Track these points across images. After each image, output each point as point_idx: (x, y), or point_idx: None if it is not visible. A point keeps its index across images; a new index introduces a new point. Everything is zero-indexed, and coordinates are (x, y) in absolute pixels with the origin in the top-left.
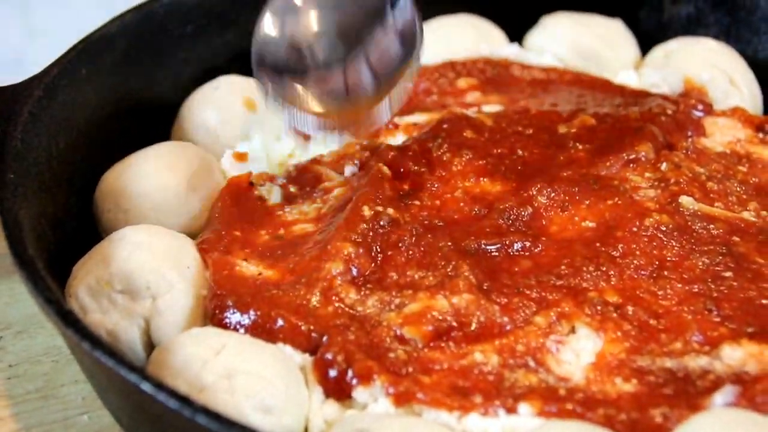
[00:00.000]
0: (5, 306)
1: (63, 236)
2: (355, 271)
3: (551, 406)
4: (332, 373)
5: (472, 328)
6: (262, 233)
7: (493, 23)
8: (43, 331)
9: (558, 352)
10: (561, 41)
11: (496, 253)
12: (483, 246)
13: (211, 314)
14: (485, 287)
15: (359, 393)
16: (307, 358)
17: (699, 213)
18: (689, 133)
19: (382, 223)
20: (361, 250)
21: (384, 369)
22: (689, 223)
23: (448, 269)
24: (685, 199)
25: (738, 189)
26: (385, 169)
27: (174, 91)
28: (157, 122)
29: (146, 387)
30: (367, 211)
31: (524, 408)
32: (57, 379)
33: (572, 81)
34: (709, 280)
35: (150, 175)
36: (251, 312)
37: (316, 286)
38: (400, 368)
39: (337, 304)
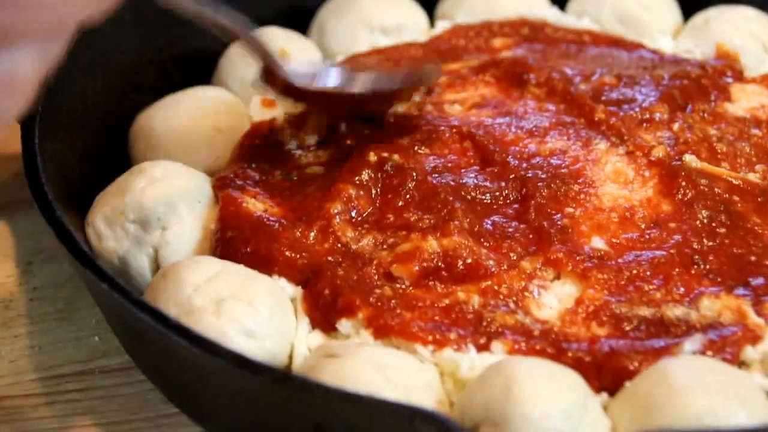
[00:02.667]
0: (39, 234)
1: (91, 171)
2: (354, 212)
3: (522, 344)
4: (319, 304)
5: (459, 269)
6: (276, 174)
7: None
8: None
9: (540, 296)
10: (600, 5)
11: (500, 200)
12: (480, 192)
13: (215, 247)
14: (476, 230)
15: (342, 325)
16: (299, 291)
17: (702, 171)
18: (712, 97)
19: (386, 168)
20: (361, 192)
21: (368, 303)
22: (692, 179)
23: (443, 213)
24: (688, 157)
25: (748, 151)
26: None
27: (215, 42)
28: (197, 71)
29: (125, 302)
30: (372, 157)
31: (497, 346)
32: (75, 303)
33: (607, 44)
34: (703, 235)
35: (179, 116)
36: (250, 246)
37: (314, 224)
38: (383, 303)
39: (332, 242)
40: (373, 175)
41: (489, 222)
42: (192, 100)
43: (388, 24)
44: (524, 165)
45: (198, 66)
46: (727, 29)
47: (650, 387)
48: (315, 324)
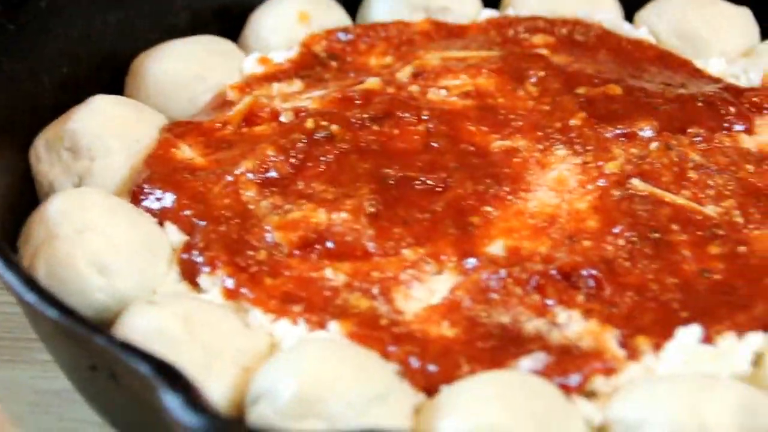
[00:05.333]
0: None
1: None
2: (271, 173)
3: (361, 330)
4: (184, 256)
5: (337, 246)
6: (228, 127)
7: None
8: None
9: (412, 287)
10: (664, 18)
11: (419, 186)
12: (405, 178)
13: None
14: (375, 212)
15: (203, 279)
16: (183, 240)
17: (647, 195)
18: (725, 124)
19: (316, 136)
20: (281, 157)
21: (231, 263)
22: (629, 201)
23: (350, 189)
24: (635, 181)
25: (725, 185)
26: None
27: None
28: (235, 24)
29: None
30: (310, 124)
31: (333, 326)
32: None
33: (653, 58)
34: (615, 259)
35: (164, 59)
36: (155, 188)
37: (223, 178)
38: (250, 266)
39: (233, 198)
40: (302, 141)
41: (399, 207)
42: (188, 47)
43: (433, 5)
44: (466, 159)
45: (236, 19)
46: None
47: (446, 394)
48: (184, 275)
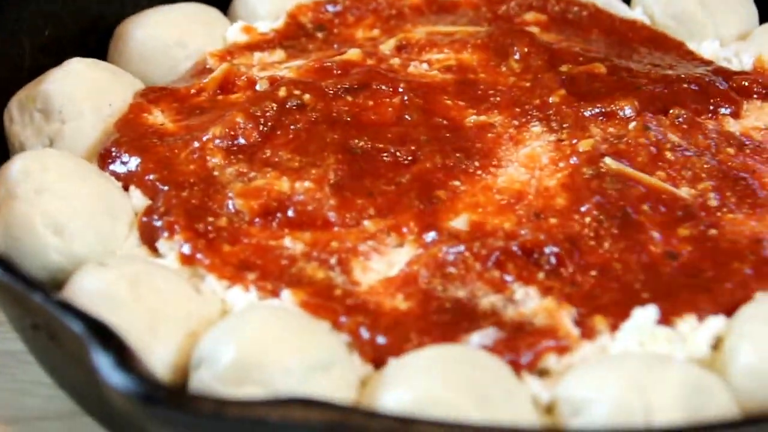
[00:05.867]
0: None
1: None
2: (240, 140)
3: (314, 300)
4: (144, 219)
5: (298, 214)
6: (204, 94)
7: None
8: None
9: (370, 259)
10: None
11: (387, 158)
12: (374, 149)
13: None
14: (339, 182)
15: (161, 244)
16: (146, 204)
17: (619, 175)
18: (711, 107)
19: (288, 105)
20: (251, 124)
21: (190, 228)
22: (600, 180)
23: (317, 159)
24: (607, 160)
25: (703, 167)
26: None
27: None
28: None
29: None
30: (282, 92)
31: (286, 294)
32: None
33: (645, 38)
34: (581, 238)
35: (146, 25)
36: (123, 152)
37: (191, 144)
38: (209, 233)
39: (199, 164)
40: (273, 109)
41: (365, 179)
42: (172, 14)
43: None
44: (439, 133)
45: None
46: None
47: (391, 366)
48: (143, 239)
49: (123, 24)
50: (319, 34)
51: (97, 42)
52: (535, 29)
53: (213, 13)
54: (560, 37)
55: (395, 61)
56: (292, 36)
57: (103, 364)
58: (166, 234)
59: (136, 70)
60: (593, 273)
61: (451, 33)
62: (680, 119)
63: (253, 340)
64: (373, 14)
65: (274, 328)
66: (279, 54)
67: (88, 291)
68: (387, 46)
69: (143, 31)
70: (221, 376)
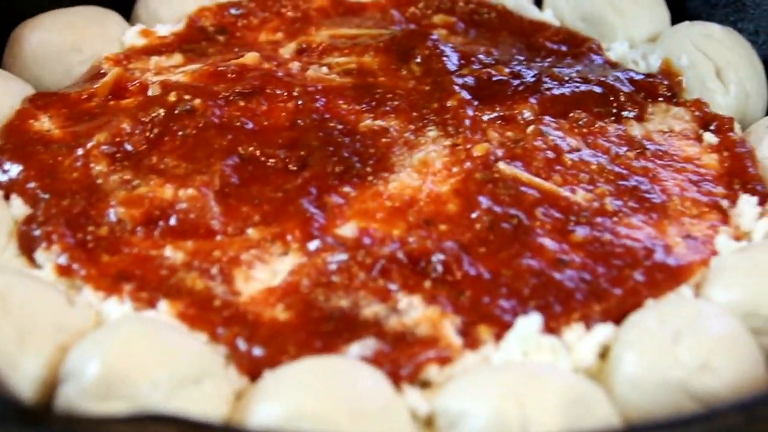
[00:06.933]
0: None
1: None
2: (124, 147)
3: (192, 311)
4: (23, 228)
5: (180, 223)
6: (95, 99)
7: None
8: None
9: (253, 268)
10: (571, 1)
11: (276, 165)
12: (265, 154)
13: None
14: (225, 190)
15: (38, 254)
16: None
17: (512, 180)
18: (614, 110)
19: (177, 110)
20: (137, 130)
21: (66, 238)
22: (494, 185)
23: (204, 165)
24: (501, 165)
25: (601, 171)
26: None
27: None
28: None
29: None
30: (172, 97)
31: (163, 305)
32: None
33: (553, 40)
34: (471, 245)
35: (40, 29)
36: (6, 160)
37: (75, 151)
38: (89, 242)
39: (82, 171)
40: (161, 115)
41: (252, 186)
42: (67, 17)
43: None
44: (331, 138)
45: None
46: (678, 45)
47: (266, 379)
48: (22, 249)
49: (19, 27)
50: (221, 38)
51: None
52: (442, 32)
53: (113, 16)
54: (468, 40)
55: (294, 65)
56: (192, 39)
57: None
58: (44, 244)
59: (30, 75)
60: (482, 280)
61: (355, 36)
62: (580, 123)
63: (120, 353)
64: (277, 17)
65: (142, 340)
66: (177, 58)
67: None
68: (287, 50)
69: (38, 35)
70: (86, 391)
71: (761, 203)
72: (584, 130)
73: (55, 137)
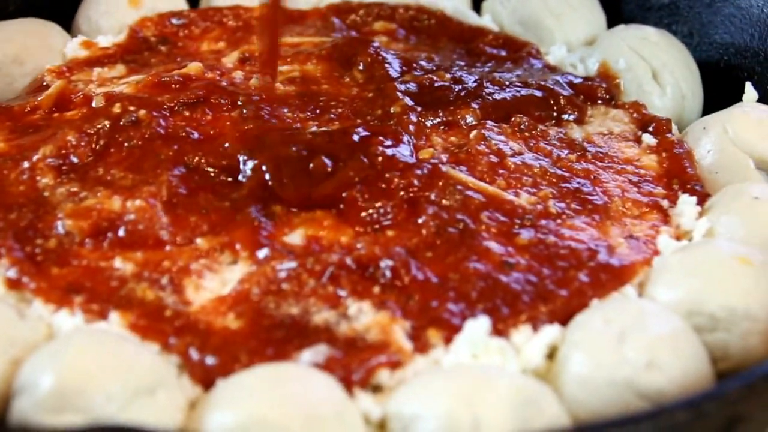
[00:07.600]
0: None
1: None
2: (73, 158)
3: (143, 321)
4: None
5: (128, 234)
6: (39, 112)
7: None
8: None
9: (203, 277)
10: (508, 6)
11: (223, 174)
12: (209, 164)
13: None
14: (172, 200)
15: None
16: None
17: (457, 184)
18: (554, 113)
19: (122, 122)
20: (83, 142)
21: (13, 252)
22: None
23: (150, 176)
24: (445, 168)
25: (543, 174)
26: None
27: None
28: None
29: None
30: (117, 108)
31: (114, 317)
32: None
33: (492, 45)
34: (417, 249)
35: None
36: None
37: (20, 164)
38: (37, 255)
39: (29, 185)
40: (106, 126)
41: (199, 195)
42: (7, 30)
43: None
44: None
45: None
46: (614, 48)
47: (219, 387)
48: None
49: None
50: (163, 48)
51: None
52: (383, 38)
53: (54, 28)
54: (408, 46)
55: (238, 74)
56: (134, 50)
57: None
58: None
59: None
60: (430, 285)
61: (297, 44)
62: (522, 126)
63: (73, 365)
64: (219, 26)
65: (93, 352)
66: (119, 69)
67: None
68: (230, 59)
69: None
70: (41, 404)
71: (700, 203)
72: (526, 134)
73: (0, 151)
